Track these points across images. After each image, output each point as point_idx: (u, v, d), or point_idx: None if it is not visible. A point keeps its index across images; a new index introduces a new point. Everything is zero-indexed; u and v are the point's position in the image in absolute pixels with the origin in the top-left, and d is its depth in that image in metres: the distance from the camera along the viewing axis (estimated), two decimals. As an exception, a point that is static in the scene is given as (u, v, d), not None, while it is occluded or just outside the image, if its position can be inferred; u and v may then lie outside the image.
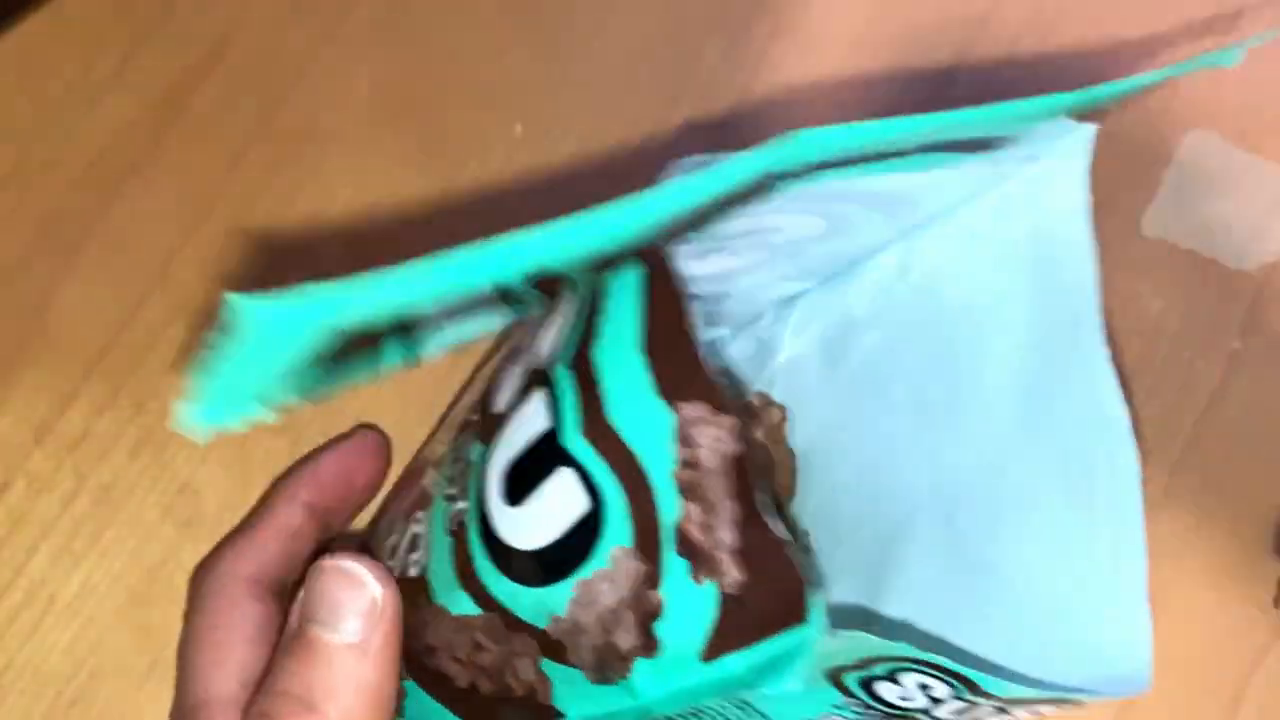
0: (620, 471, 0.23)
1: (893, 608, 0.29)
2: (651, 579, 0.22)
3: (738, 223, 0.27)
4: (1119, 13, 0.43)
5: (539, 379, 0.25)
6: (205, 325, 0.40)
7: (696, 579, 0.22)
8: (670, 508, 0.22)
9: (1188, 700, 0.36)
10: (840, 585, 0.31)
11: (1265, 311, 0.40)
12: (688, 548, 0.22)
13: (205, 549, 0.38)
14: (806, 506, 0.33)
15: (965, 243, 0.29)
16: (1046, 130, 0.26)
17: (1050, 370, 0.28)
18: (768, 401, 0.35)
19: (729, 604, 0.22)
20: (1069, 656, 0.25)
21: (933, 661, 0.21)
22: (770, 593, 0.21)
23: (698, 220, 0.22)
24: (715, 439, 0.22)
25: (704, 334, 0.35)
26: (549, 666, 0.24)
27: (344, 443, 0.35)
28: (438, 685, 0.27)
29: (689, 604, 0.22)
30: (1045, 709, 0.23)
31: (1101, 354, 0.27)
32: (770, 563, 0.21)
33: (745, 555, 0.21)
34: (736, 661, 0.21)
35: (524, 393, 0.25)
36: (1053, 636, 0.26)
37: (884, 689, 0.22)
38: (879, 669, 0.22)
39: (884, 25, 0.43)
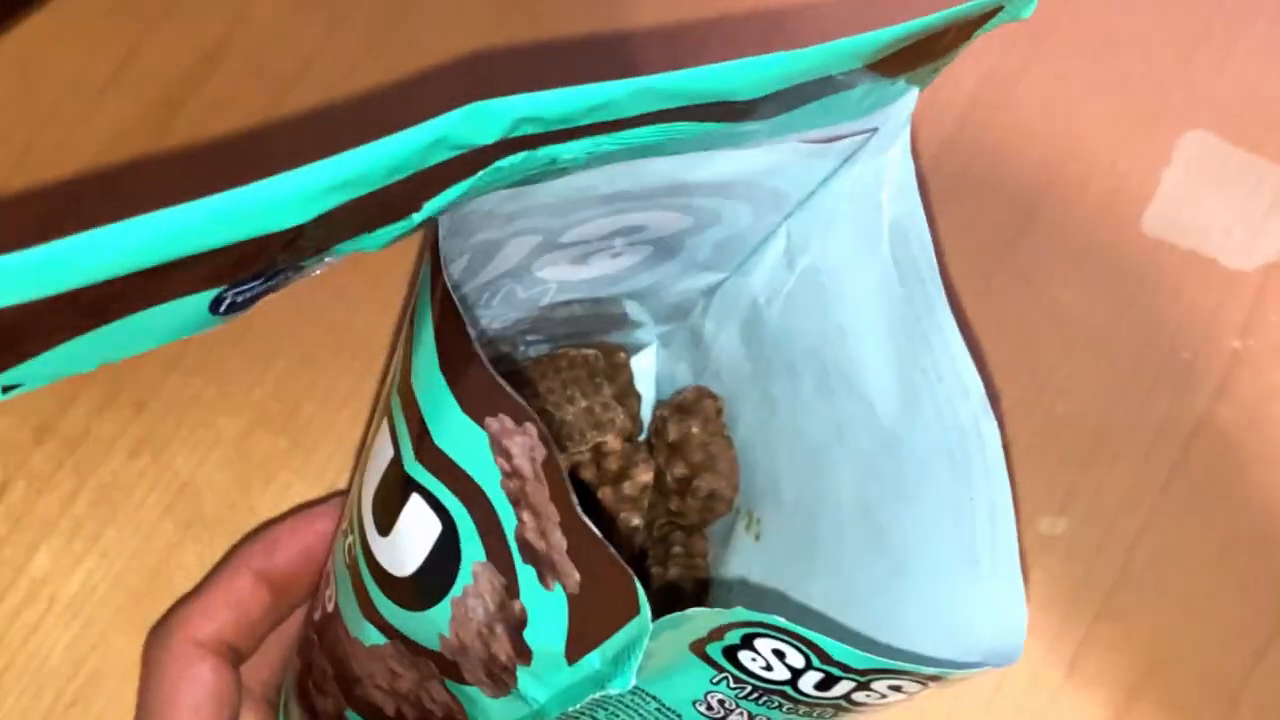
0: (459, 491, 0.23)
1: (818, 588, 0.30)
2: (511, 589, 0.23)
3: (597, 224, 0.28)
4: (1110, 19, 0.43)
5: (385, 407, 0.26)
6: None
7: (545, 584, 0.22)
8: (509, 518, 0.23)
9: (1188, 700, 0.36)
10: (787, 567, 0.31)
11: (1265, 311, 0.40)
12: (530, 554, 0.22)
13: (205, 549, 0.38)
14: (754, 493, 0.34)
15: (829, 223, 0.30)
16: (883, 100, 0.26)
17: (914, 341, 0.28)
18: (703, 394, 0.35)
19: (575, 605, 0.22)
20: (950, 633, 0.25)
21: (768, 623, 0.21)
22: (603, 589, 0.22)
23: (411, 197, 0.22)
24: (525, 447, 0.22)
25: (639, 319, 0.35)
26: (453, 687, 0.25)
27: (308, 514, 0.33)
28: (373, 715, 0.28)
29: (545, 609, 0.22)
30: (910, 685, 0.23)
31: (949, 321, 0.27)
32: (596, 561, 0.22)
33: (576, 557, 0.22)
34: (595, 659, 0.22)
35: (377, 422, 0.26)
36: (939, 613, 0.26)
37: (745, 658, 0.22)
38: (732, 636, 0.22)
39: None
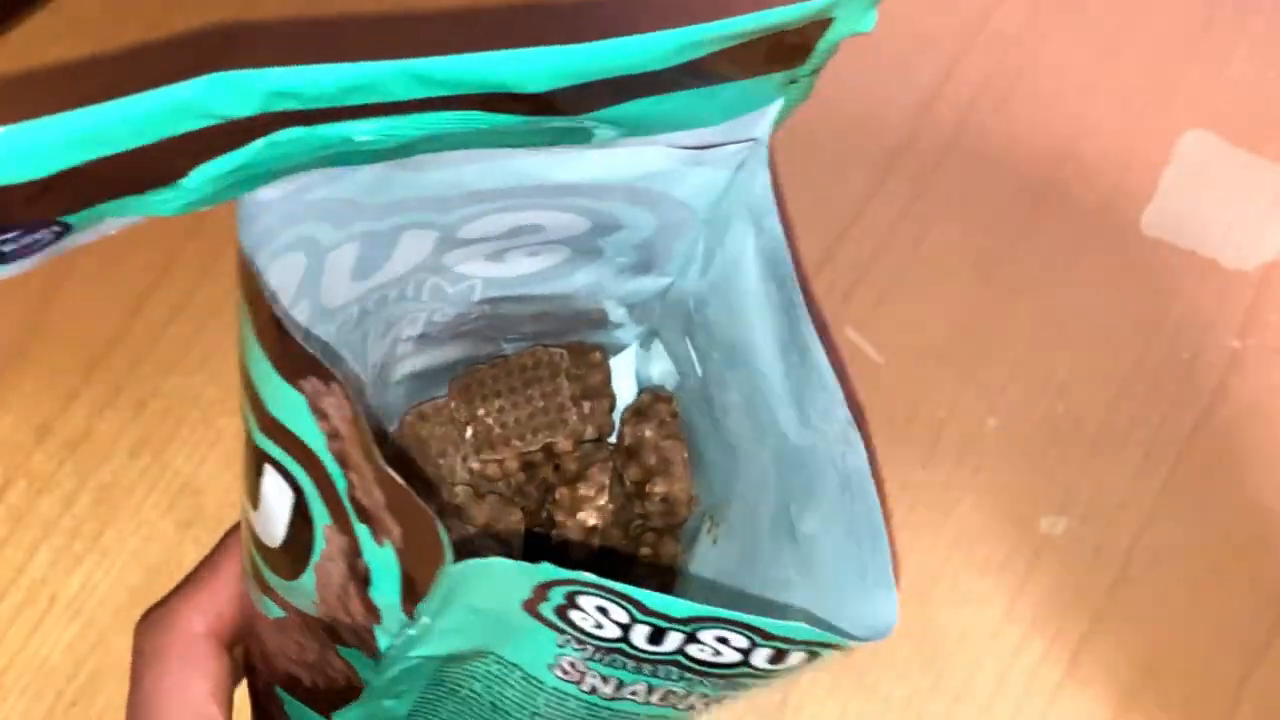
0: (299, 458, 0.24)
1: (756, 592, 0.30)
2: (355, 549, 0.24)
3: (488, 220, 0.29)
4: (1110, 19, 0.43)
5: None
6: (206, 325, 0.40)
7: (379, 540, 0.23)
8: (339, 479, 0.23)
9: (1187, 700, 0.36)
10: (736, 572, 0.32)
11: (1265, 311, 0.40)
12: (363, 513, 0.23)
13: (206, 549, 0.38)
14: (713, 497, 0.34)
15: (725, 236, 0.30)
16: (736, 107, 0.27)
17: (792, 351, 0.28)
18: (658, 398, 0.35)
19: (402, 558, 0.23)
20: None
21: (578, 579, 0.22)
22: (419, 539, 0.22)
23: (173, 162, 0.22)
24: (337, 407, 0.23)
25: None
26: (343, 653, 0.26)
27: None
28: (295, 688, 0.28)
29: (382, 566, 0.23)
30: (737, 638, 0.23)
31: (814, 340, 0.28)
32: (408, 511, 0.22)
33: (392, 510, 0.22)
34: (425, 610, 0.23)
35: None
36: (838, 621, 0.26)
37: (577, 618, 0.23)
38: (556, 595, 0.22)
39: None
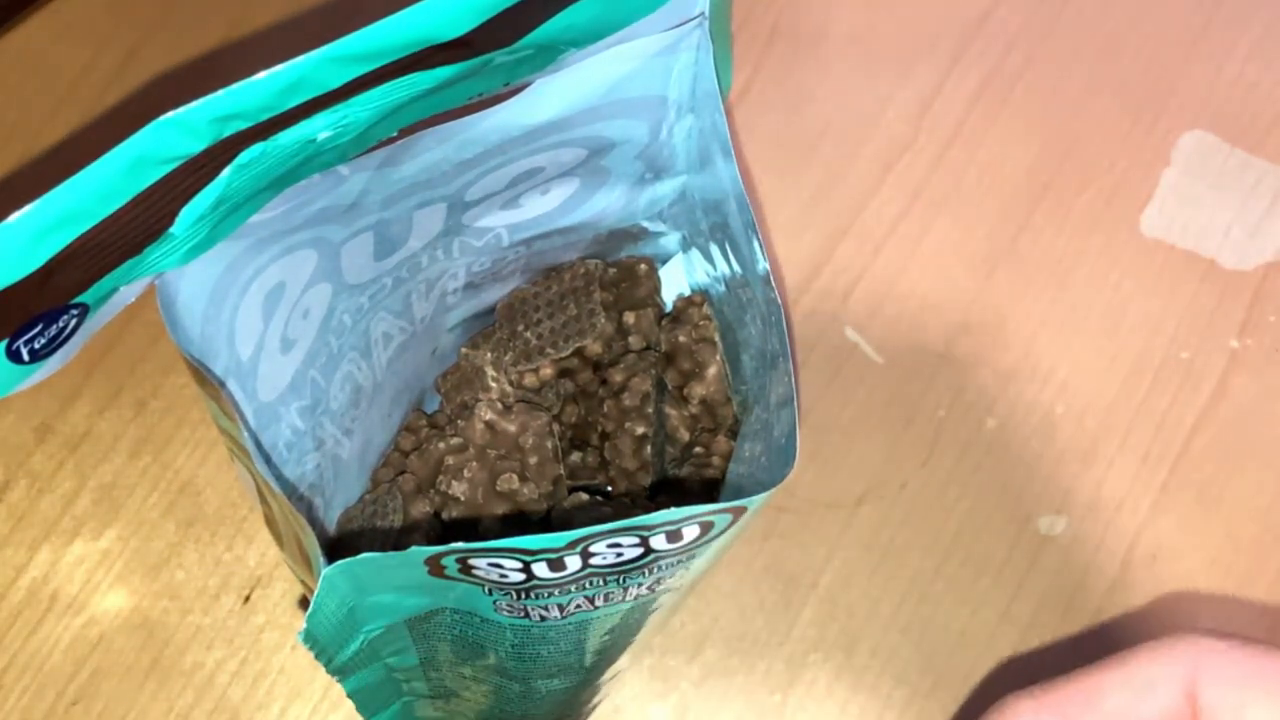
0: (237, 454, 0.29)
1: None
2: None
3: (490, 179, 0.30)
4: (1110, 19, 0.43)
5: None
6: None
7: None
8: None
9: (1187, 699, 0.36)
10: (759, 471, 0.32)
11: (1264, 311, 0.40)
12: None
13: (207, 548, 0.38)
14: (751, 390, 0.34)
15: (704, 115, 0.31)
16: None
17: (752, 233, 0.29)
18: (690, 303, 0.36)
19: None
20: None
21: (452, 550, 0.23)
22: (300, 548, 0.24)
23: (155, 215, 0.23)
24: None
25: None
26: None
27: None
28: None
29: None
30: (624, 537, 0.23)
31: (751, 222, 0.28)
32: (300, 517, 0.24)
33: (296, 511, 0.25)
34: (314, 618, 0.24)
35: None
36: None
37: (480, 573, 0.24)
38: (449, 562, 0.23)
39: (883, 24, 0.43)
